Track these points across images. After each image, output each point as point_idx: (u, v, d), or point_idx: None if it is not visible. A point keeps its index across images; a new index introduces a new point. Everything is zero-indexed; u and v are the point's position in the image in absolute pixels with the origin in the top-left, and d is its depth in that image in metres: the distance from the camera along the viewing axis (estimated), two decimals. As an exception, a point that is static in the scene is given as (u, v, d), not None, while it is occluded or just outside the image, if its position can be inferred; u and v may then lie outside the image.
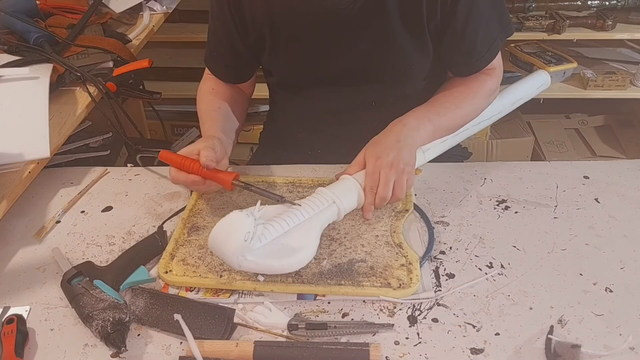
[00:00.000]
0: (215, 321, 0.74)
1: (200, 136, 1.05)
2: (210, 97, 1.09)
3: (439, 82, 1.08)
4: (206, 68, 1.14)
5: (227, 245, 0.76)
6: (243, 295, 0.79)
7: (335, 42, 0.99)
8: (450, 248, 0.87)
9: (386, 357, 0.70)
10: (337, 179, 0.92)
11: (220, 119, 1.02)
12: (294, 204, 0.85)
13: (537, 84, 1.13)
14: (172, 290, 0.80)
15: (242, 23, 1.02)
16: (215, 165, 0.87)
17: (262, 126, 1.32)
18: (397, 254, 0.83)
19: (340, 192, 0.88)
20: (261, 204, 0.82)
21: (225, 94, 1.09)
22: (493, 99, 1.06)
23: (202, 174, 0.87)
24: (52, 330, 0.76)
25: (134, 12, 1.52)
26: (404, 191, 0.89)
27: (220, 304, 0.77)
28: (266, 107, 1.27)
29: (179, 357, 0.71)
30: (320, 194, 0.87)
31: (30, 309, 0.79)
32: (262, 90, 1.23)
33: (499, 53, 1.04)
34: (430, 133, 0.97)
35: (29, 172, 0.95)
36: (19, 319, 0.74)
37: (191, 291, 0.80)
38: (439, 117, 0.98)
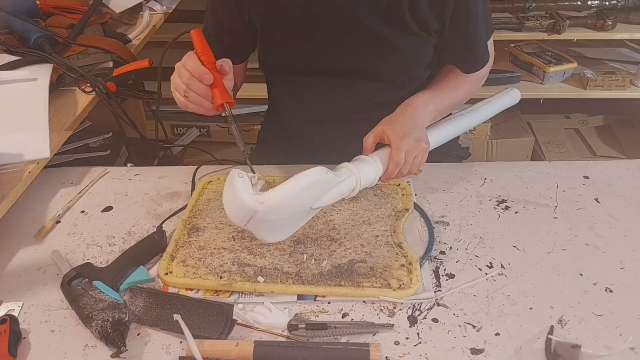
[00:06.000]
0: (214, 318, 0.74)
1: (198, 136, 1.04)
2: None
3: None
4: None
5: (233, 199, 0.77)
6: (243, 296, 0.79)
7: (323, 37, 0.99)
8: (450, 248, 0.87)
9: (386, 357, 0.70)
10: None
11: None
12: (252, 167, 0.88)
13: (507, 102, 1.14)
14: (172, 290, 0.80)
15: (241, 3, 1.01)
16: (229, 72, 0.87)
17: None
18: (397, 254, 0.83)
19: (362, 169, 0.87)
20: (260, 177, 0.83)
21: None
22: (482, 82, 1.12)
23: (213, 73, 0.86)
24: (52, 331, 0.76)
25: (134, 12, 1.52)
26: (419, 167, 0.92)
27: (218, 301, 0.77)
28: (265, 108, 1.27)
29: (179, 357, 0.71)
30: (345, 166, 0.87)
31: (22, 304, 0.79)
32: (261, 91, 1.23)
33: (492, 42, 1.08)
34: (433, 116, 1.00)
35: (29, 172, 0.95)
36: (12, 319, 0.74)
37: (191, 291, 0.80)
38: (441, 101, 1.01)
